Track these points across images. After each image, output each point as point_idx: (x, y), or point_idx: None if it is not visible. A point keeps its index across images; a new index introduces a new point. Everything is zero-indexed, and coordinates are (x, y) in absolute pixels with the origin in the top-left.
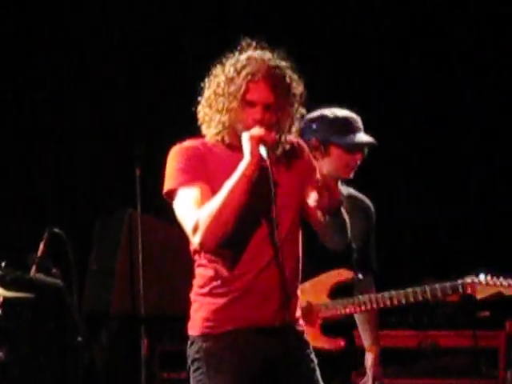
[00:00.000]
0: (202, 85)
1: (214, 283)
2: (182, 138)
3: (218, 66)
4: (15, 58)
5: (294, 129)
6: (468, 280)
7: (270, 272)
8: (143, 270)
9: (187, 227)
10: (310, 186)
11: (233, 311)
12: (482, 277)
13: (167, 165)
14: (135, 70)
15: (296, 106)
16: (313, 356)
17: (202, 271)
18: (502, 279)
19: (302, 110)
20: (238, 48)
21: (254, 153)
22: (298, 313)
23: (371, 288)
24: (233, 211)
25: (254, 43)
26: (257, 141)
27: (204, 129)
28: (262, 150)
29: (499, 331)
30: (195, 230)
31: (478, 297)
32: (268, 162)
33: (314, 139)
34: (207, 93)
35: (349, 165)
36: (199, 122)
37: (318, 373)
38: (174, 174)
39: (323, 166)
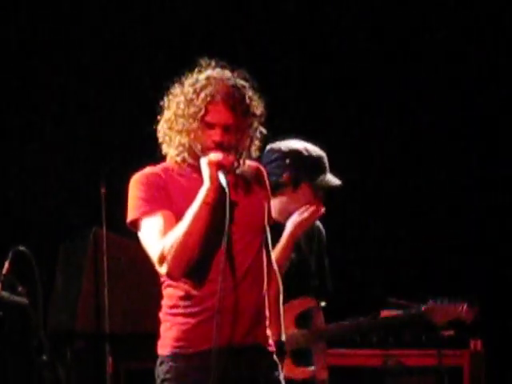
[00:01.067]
0: (161, 104)
1: (185, 303)
2: (147, 155)
3: (177, 85)
4: None
5: (253, 148)
6: (427, 306)
7: (240, 292)
8: (108, 288)
9: (153, 257)
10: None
11: (203, 331)
12: (439, 303)
13: (129, 194)
14: (102, 88)
15: (255, 126)
16: (281, 377)
17: (172, 291)
18: (457, 304)
19: (263, 130)
20: (197, 67)
21: (213, 179)
22: (269, 333)
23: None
24: (197, 239)
25: (213, 62)
26: (215, 166)
27: (164, 148)
28: (221, 178)
29: (464, 350)
30: (161, 260)
31: (438, 323)
32: (227, 190)
33: (286, 175)
34: (167, 113)
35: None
36: (159, 142)
37: None
38: (136, 204)
39: (291, 203)
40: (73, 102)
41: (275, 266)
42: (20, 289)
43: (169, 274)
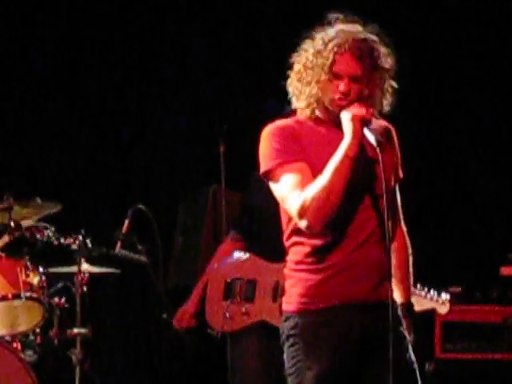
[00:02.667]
0: (292, 60)
1: (311, 259)
2: (263, 115)
3: (307, 40)
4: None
5: (385, 102)
6: None
7: (367, 248)
8: None
9: (291, 210)
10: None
11: (329, 287)
12: (417, 290)
13: (262, 145)
14: (221, 47)
15: (385, 79)
16: (406, 333)
17: (299, 249)
18: (437, 296)
19: (394, 84)
20: (327, 22)
21: (357, 133)
22: (391, 289)
23: None
24: (339, 193)
25: (341, 16)
26: (359, 121)
27: (294, 102)
28: (369, 134)
29: None
30: (302, 213)
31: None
32: (378, 149)
33: None
34: (297, 66)
35: None
36: (289, 96)
37: (410, 349)
38: (271, 155)
39: None
40: (193, 62)
41: (404, 227)
42: (140, 247)
43: (309, 227)
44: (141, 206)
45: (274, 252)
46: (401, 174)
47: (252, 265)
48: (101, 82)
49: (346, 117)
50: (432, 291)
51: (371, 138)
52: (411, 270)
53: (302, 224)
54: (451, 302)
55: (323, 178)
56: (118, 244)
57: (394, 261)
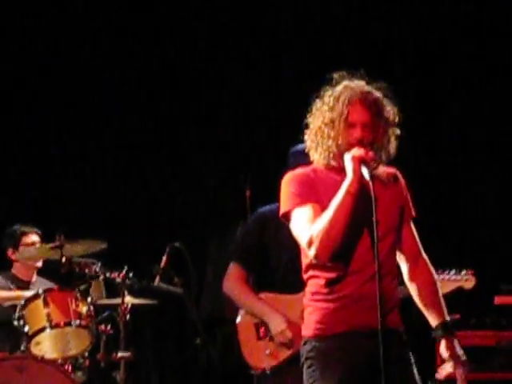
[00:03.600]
0: (307, 120)
1: (325, 290)
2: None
3: (318, 100)
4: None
5: (390, 147)
6: None
7: (375, 281)
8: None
9: (302, 242)
10: (406, 219)
11: (342, 315)
12: (440, 275)
13: (282, 190)
14: (247, 97)
15: (389, 128)
16: (410, 356)
17: (315, 281)
18: (461, 274)
19: (397, 131)
20: (332, 81)
21: (356, 171)
22: (398, 317)
23: None
24: (341, 225)
25: (345, 74)
26: (358, 160)
27: (311, 154)
28: (364, 171)
29: None
30: (310, 244)
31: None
32: (370, 182)
33: None
34: (315, 124)
35: None
36: (307, 150)
37: (414, 372)
38: (288, 198)
39: None
40: (218, 105)
41: (425, 256)
42: (176, 280)
43: (316, 257)
44: (177, 244)
45: (287, 285)
46: (413, 213)
47: (274, 302)
48: (139, 127)
49: (347, 158)
50: (452, 271)
51: (366, 173)
52: (441, 293)
53: (311, 253)
54: (474, 274)
55: (328, 212)
56: (157, 278)
57: (421, 288)
